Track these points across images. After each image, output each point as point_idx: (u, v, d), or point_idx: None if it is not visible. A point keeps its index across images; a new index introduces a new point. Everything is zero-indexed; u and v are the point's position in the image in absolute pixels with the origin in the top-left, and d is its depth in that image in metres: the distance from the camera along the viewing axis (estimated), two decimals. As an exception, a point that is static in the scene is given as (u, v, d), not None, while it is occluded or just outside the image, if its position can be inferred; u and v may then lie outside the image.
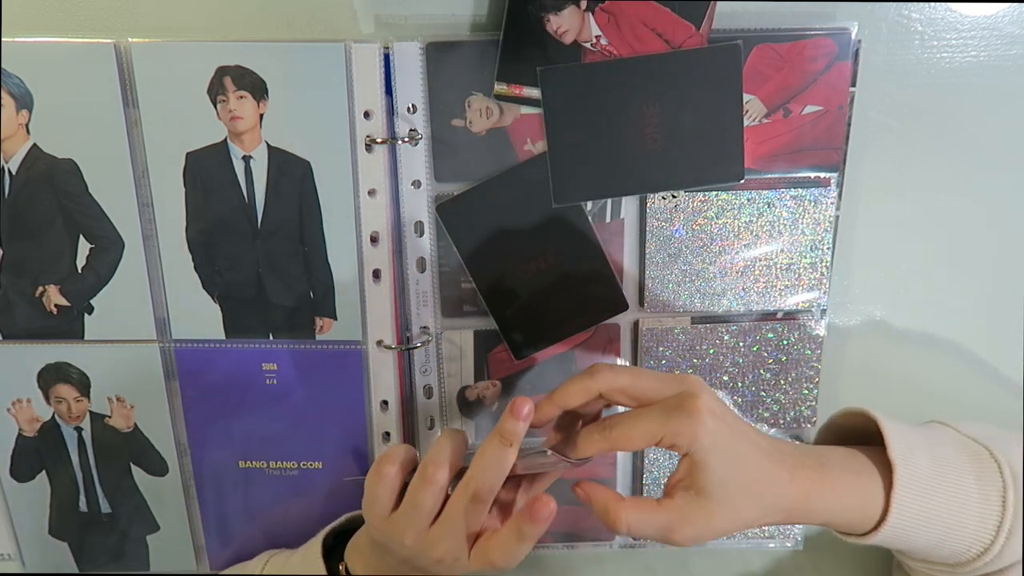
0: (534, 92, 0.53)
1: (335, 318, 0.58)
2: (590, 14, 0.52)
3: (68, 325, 0.58)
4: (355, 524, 0.57)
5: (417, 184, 0.56)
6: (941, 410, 0.63)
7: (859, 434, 0.51)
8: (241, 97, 0.54)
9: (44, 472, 0.62)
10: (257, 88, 0.53)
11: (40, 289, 0.58)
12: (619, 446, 0.46)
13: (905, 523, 0.47)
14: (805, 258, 0.58)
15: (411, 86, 0.54)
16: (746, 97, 0.54)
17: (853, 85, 0.54)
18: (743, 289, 0.58)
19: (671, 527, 0.45)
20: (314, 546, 0.56)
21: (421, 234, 0.57)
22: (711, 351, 0.59)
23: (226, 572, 0.62)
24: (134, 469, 0.62)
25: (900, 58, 0.55)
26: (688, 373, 0.56)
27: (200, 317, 0.58)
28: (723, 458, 0.45)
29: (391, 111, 0.54)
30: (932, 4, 0.54)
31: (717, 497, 0.45)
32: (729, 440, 0.45)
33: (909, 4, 0.54)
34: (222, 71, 0.53)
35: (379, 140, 0.54)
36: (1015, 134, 0.57)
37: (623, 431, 0.46)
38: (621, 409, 0.49)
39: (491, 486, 0.47)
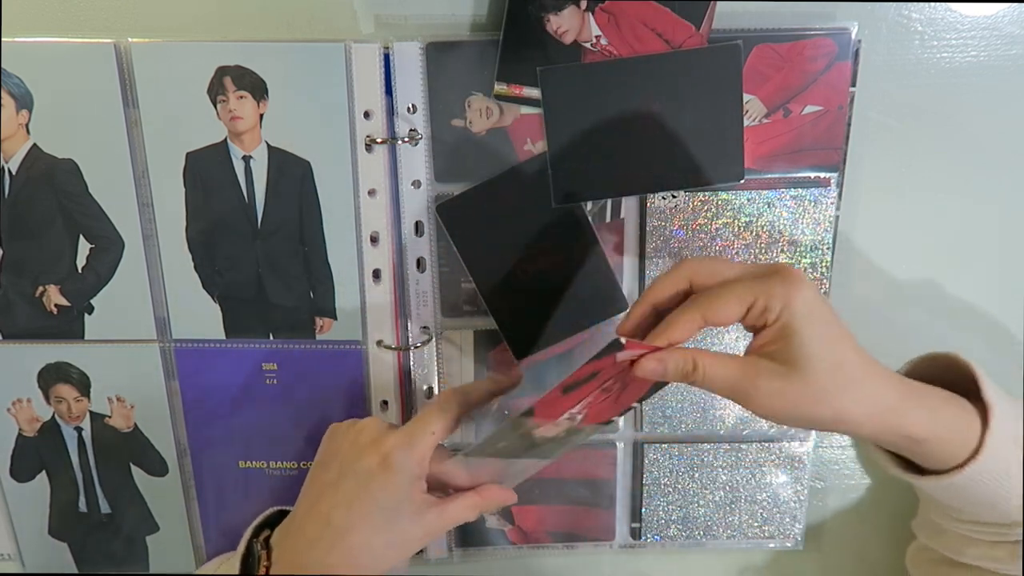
0: (534, 92, 0.53)
1: (335, 318, 0.58)
2: (590, 14, 0.52)
3: (68, 325, 0.58)
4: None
5: (417, 184, 0.56)
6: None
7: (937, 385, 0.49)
8: (241, 97, 0.54)
9: (44, 472, 0.62)
10: (257, 88, 0.53)
11: (40, 289, 0.58)
12: (711, 315, 0.43)
13: (992, 463, 0.45)
14: (805, 258, 0.58)
15: (411, 86, 0.54)
16: (746, 97, 0.54)
17: (853, 85, 0.54)
18: (743, 289, 0.58)
19: (748, 380, 0.43)
20: (239, 544, 0.53)
21: (421, 234, 0.57)
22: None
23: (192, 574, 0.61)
24: (134, 469, 0.62)
25: (900, 58, 0.55)
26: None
27: (200, 317, 0.58)
28: (817, 331, 0.42)
29: (391, 111, 0.54)
30: (932, 4, 0.54)
31: (804, 370, 0.42)
32: (826, 315, 0.43)
33: (909, 4, 0.54)
34: (222, 71, 0.53)
35: (379, 140, 0.54)
36: (1015, 134, 0.57)
37: (714, 297, 0.43)
38: None
39: (463, 402, 0.51)
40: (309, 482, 0.51)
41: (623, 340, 0.42)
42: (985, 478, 0.46)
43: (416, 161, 0.55)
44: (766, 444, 0.62)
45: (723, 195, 0.57)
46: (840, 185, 0.57)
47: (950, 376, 0.49)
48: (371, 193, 0.56)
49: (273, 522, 0.52)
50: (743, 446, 0.62)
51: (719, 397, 0.60)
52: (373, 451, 0.48)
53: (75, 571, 0.65)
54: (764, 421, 0.61)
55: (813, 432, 0.62)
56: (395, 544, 0.48)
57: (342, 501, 0.47)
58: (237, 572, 0.49)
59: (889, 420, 0.44)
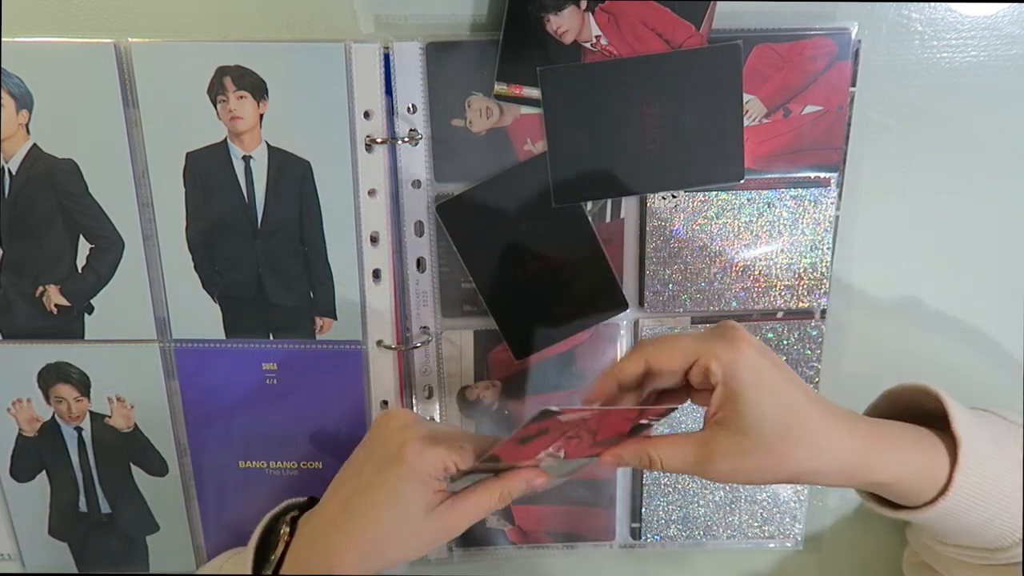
0: (534, 92, 0.53)
1: (335, 318, 0.58)
2: (590, 14, 0.52)
3: (68, 325, 0.58)
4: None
5: (417, 184, 0.56)
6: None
7: (909, 416, 0.49)
8: (241, 97, 0.54)
9: (44, 472, 0.62)
10: (257, 88, 0.53)
11: (40, 289, 0.58)
12: (653, 360, 0.45)
13: (964, 497, 0.45)
14: (805, 258, 0.58)
15: (411, 86, 0.54)
16: (746, 97, 0.54)
17: (853, 85, 0.54)
18: (743, 289, 0.58)
19: (703, 459, 0.43)
20: (247, 550, 0.52)
21: (421, 234, 0.57)
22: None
23: (193, 574, 0.61)
24: (134, 469, 0.62)
25: (900, 58, 0.55)
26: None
27: (200, 317, 0.58)
28: (762, 395, 0.42)
29: (391, 111, 0.54)
30: (932, 4, 0.54)
31: (754, 435, 0.42)
32: (771, 378, 0.43)
33: (909, 4, 0.54)
34: (222, 71, 0.53)
35: (379, 140, 0.54)
36: (1015, 134, 0.57)
37: (659, 345, 0.45)
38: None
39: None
40: (345, 464, 0.51)
41: (555, 408, 0.42)
42: (957, 511, 0.45)
43: (416, 161, 0.55)
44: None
45: (723, 195, 0.57)
46: (840, 185, 0.57)
47: (925, 402, 0.48)
48: (371, 193, 0.56)
49: (304, 507, 0.52)
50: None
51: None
52: (391, 441, 0.48)
53: (75, 571, 0.65)
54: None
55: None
56: (404, 536, 0.47)
57: (360, 485, 0.47)
58: (255, 546, 0.50)
59: (852, 468, 0.44)
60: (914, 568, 0.58)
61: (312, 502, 0.52)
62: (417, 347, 0.59)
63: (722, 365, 0.43)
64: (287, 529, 0.50)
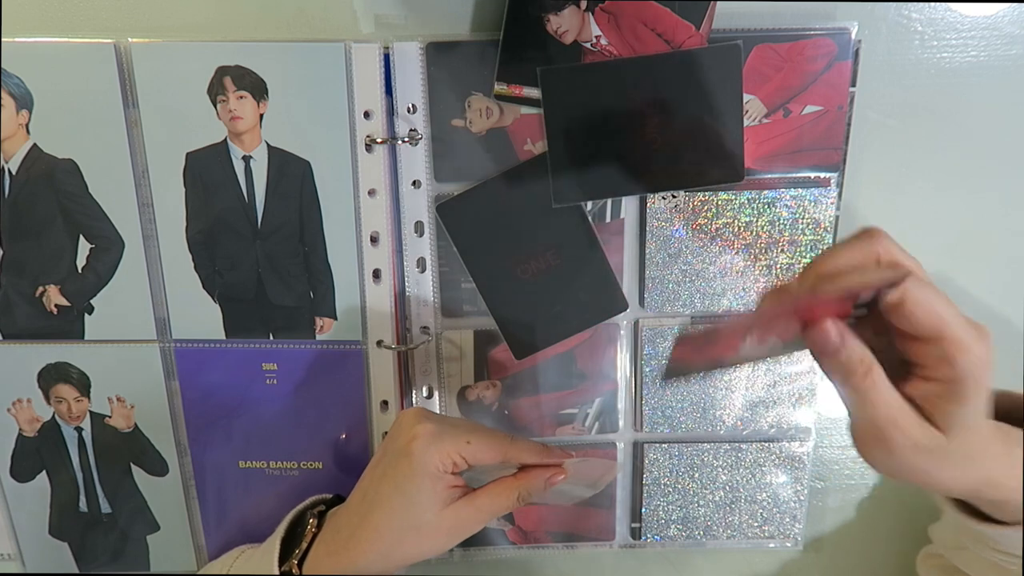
0: (534, 92, 0.53)
1: (335, 318, 0.58)
2: (590, 14, 0.52)
3: (68, 325, 0.58)
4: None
5: (417, 184, 0.56)
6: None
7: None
8: (241, 97, 0.54)
9: (44, 472, 0.62)
10: (257, 88, 0.53)
11: (40, 289, 0.58)
12: (907, 304, 0.38)
13: None
14: (805, 258, 0.58)
15: (411, 86, 0.54)
16: (746, 97, 0.54)
17: (853, 85, 0.54)
18: (743, 289, 0.58)
19: (897, 432, 0.38)
20: (274, 538, 0.53)
21: (421, 234, 0.57)
22: (711, 351, 0.60)
23: (200, 572, 0.61)
24: (134, 469, 0.62)
25: (900, 58, 0.55)
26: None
27: (200, 317, 0.58)
28: (982, 399, 0.38)
29: (391, 111, 0.54)
30: (932, 4, 0.54)
31: (959, 438, 0.38)
32: (987, 384, 0.38)
33: (909, 4, 0.54)
34: (222, 71, 0.53)
35: (379, 140, 0.54)
36: (1015, 134, 0.57)
37: (918, 288, 0.38)
38: None
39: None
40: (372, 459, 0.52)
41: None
42: None
43: (416, 161, 0.55)
44: (766, 444, 0.62)
45: (723, 195, 0.57)
46: (840, 185, 0.57)
47: (1012, 410, 0.45)
48: (371, 193, 0.56)
49: (330, 504, 0.54)
50: (743, 446, 0.62)
51: (718, 397, 0.60)
52: (402, 436, 0.48)
53: (75, 571, 0.65)
54: (764, 421, 0.61)
55: (813, 432, 0.62)
56: (415, 532, 0.47)
57: (375, 477, 0.49)
58: (282, 535, 0.51)
59: (991, 492, 0.41)
60: (934, 570, 0.57)
61: (339, 499, 0.54)
62: (417, 347, 0.59)
63: (966, 357, 0.37)
64: (314, 521, 0.51)
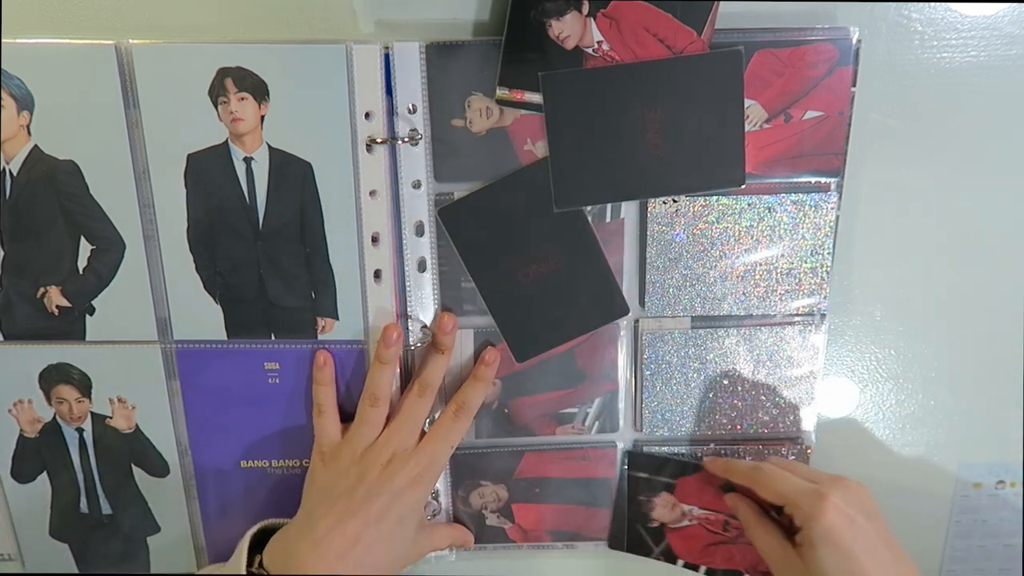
0: (535, 97, 0.53)
1: (337, 318, 0.58)
2: (592, 19, 0.52)
3: (69, 326, 0.58)
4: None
5: (417, 184, 0.56)
6: (941, 412, 0.63)
7: None
8: (242, 98, 0.53)
9: (45, 473, 0.62)
10: (258, 89, 0.53)
11: (41, 290, 0.58)
12: (760, 483, 0.55)
13: None
14: (805, 263, 0.58)
15: (411, 87, 0.54)
16: (747, 102, 0.54)
17: (853, 86, 0.54)
18: (743, 293, 0.58)
19: (778, 558, 0.53)
20: (238, 554, 0.56)
21: (421, 234, 0.57)
22: (711, 355, 0.60)
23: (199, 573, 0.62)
24: (135, 470, 0.62)
25: (900, 58, 0.55)
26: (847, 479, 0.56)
27: (201, 318, 0.58)
28: (834, 558, 0.49)
29: (391, 112, 0.54)
30: (932, 4, 0.54)
31: None
32: (847, 544, 0.49)
33: (909, 4, 0.54)
34: (223, 72, 0.53)
35: (379, 141, 0.54)
36: (1015, 134, 0.57)
37: (769, 473, 0.55)
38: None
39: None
40: (324, 497, 0.55)
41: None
42: None
43: (416, 161, 0.55)
44: (765, 444, 0.62)
45: (724, 200, 0.57)
46: (840, 190, 0.57)
47: None
48: (372, 194, 0.56)
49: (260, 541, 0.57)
50: (742, 446, 0.62)
51: (718, 398, 0.61)
52: (404, 470, 0.54)
53: (76, 572, 0.65)
54: (763, 427, 0.61)
55: (813, 432, 0.62)
56: (400, 559, 0.54)
57: (373, 519, 0.53)
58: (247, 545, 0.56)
59: None
60: None
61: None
62: (417, 347, 0.59)
63: (801, 517, 0.51)
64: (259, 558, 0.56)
